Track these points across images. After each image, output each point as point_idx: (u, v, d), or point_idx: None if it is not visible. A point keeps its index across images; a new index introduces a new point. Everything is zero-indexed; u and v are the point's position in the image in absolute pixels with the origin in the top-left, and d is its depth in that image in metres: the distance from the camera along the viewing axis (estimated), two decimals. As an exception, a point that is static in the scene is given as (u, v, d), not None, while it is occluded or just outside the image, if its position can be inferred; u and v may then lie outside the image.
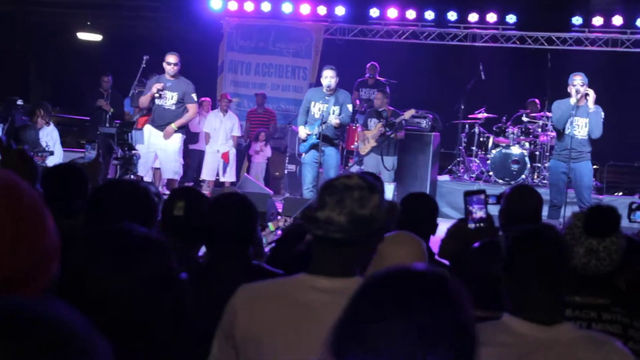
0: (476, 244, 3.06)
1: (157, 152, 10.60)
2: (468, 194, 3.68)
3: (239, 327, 2.35)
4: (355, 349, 1.33)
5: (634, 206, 5.00)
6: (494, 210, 4.19)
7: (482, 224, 3.61)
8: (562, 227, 2.86)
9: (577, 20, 14.74)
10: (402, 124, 11.72)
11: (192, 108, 10.60)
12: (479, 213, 3.62)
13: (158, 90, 10.33)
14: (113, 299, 1.78)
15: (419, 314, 1.33)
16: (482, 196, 3.67)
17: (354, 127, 12.44)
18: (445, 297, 1.37)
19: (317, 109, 10.16)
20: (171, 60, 10.40)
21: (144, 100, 10.58)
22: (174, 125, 10.40)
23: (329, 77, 10.05)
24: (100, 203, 3.08)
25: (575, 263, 2.72)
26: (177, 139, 10.62)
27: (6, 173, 1.59)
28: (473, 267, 2.97)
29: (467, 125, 13.65)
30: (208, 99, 14.69)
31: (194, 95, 10.62)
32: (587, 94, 9.19)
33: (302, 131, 10.26)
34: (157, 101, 10.43)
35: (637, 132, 12.85)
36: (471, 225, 3.61)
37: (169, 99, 10.44)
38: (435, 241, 4.30)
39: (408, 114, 11.73)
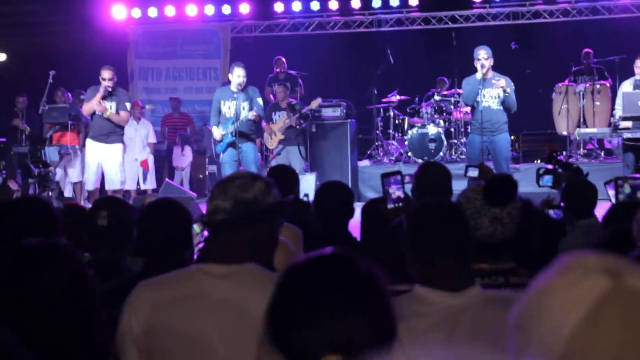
0: (395, 222, 3.17)
1: (102, 163, 10.66)
2: (385, 176, 3.78)
3: (138, 323, 2.40)
4: (286, 330, 1.47)
5: (541, 171, 5.18)
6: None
7: (400, 204, 3.72)
8: (457, 200, 2.97)
9: (477, -4, 15.08)
10: (309, 114, 11.99)
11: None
12: (396, 193, 3.73)
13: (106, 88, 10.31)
14: (29, 308, 1.86)
15: (336, 292, 1.48)
16: (399, 177, 3.78)
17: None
18: (357, 275, 1.52)
19: (227, 107, 10.18)
20: (105, 75, 10.38)
21: (88, 109, 10.53)
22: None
23: (240, 75, 10.08)
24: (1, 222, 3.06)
25: (482, 233, 2.83)
26: (119, 149, 10.77)
27: None
28: (393, 244, 3.08)
29: (381, 110, 13.82)
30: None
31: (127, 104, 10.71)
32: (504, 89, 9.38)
33: (217, 132, 10.28)
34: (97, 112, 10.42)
35: (545, 101, 13.19)
36: (390, 205, 3.72)
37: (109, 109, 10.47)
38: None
39: (314, 103, 11.94)
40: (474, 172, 4.73)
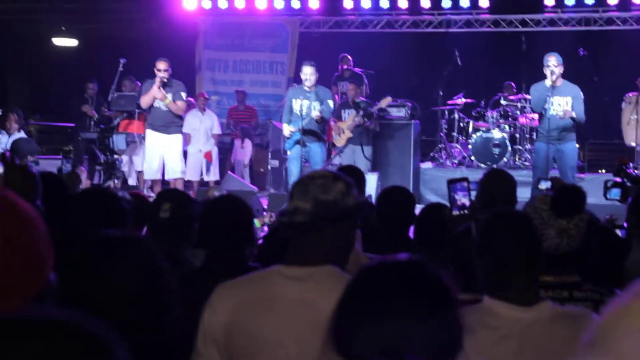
0: (459, 229, 3.15)
1: (164, 153, 10.93)
2: (452, 182, 3.76)
3: (218, 325, 2.43)
4: (345, 330, 1.48)
5: (609, 184, 5.07)
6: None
7: (465, 211, 3.70)
8: (524, 210, 2.93)
9: (549, 1, 14.83)
10: (374, 113, 11.91)
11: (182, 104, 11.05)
12: (462, 200, 3.71)
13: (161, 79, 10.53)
14: (104, 300, 1.88)
15: (400, 296, 1.48)
16: (465, 183, 3.76)
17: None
18: (426, 283, 1.52)
19: (298, 105, 10.25)
20: (161, 67, 10.55)
21: (147, 100, 10.76)
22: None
23: (308, 73, 10.13)
24: (74, 213, 3.10)
25: (548, 244, 2.79)
26: (179, 139, 11.08)
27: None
28: (456, 251, 3.05)
29: (446, 112, 13.72)
30: (191, 99, 14.70)
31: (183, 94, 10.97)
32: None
33: (286, 129, 10.38)
34: (155, 103, 10.60)
35: (613, 110, 12.93)
36: (455, 212, 3.69)
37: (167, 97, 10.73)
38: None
39: (384, 102, 11.83)
40: (546, 185, 4.70)
